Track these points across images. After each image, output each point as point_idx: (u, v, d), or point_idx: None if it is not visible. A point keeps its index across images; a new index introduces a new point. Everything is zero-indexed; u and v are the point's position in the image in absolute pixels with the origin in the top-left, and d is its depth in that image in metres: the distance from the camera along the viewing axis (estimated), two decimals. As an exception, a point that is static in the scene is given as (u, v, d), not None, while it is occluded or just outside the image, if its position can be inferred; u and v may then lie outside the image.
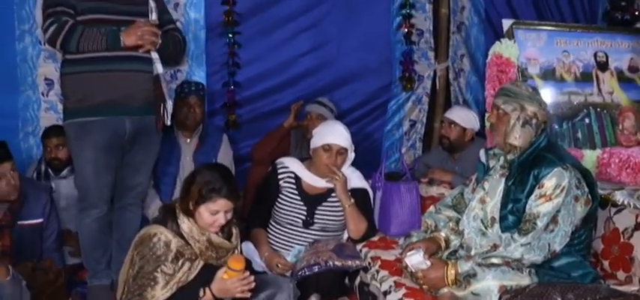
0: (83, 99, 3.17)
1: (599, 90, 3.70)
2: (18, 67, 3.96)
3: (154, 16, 3.26)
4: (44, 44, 3.85)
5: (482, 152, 2.91)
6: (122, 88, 3.18)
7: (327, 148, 3.27)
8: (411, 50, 4.69)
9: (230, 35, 4.28)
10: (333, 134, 3.30)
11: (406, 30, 4.65)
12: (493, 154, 2.84)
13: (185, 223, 2.61)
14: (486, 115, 3.13)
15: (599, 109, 3.65)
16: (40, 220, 3.30)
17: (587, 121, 3.62)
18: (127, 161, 3.34)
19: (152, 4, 3.27)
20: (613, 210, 2.94)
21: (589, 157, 3.45)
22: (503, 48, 3.56)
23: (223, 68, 4.33)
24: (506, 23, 3.76)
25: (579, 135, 3.59)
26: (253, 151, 4.26)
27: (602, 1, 4.56)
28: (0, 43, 3.91)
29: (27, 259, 3.14)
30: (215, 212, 2.60)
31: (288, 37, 4.44)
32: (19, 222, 3.20)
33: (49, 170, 3.80)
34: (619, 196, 2.98)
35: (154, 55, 3.23)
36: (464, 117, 4.10)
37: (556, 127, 3.57)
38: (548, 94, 3.60)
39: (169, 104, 3.27)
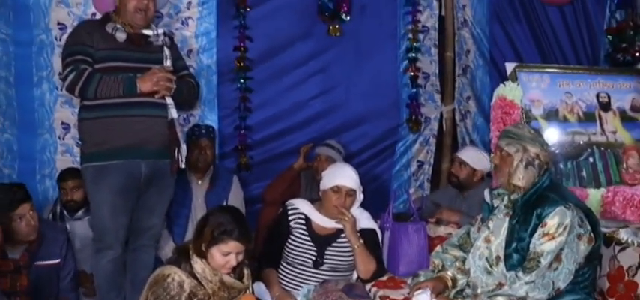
0: (100, 143, 3.25)
1: (603, 130, 3.75)
2: (36, 111, 4.09)
3: (168, 63, 3.37)
4: (62, 90, 3.96)
5: (486, 192, 2.97)
6: (138, 133, 3.26)
7: (337, 189, 3.32)
8: (418, 93, 4.75)
9: (242, 80, 4.37)
10: (342, 176, 3.35)
11: (412, 73, 4.72)
12: (497, 194, 2.89)
13: (198, 264, 2.65)
14: (490, 155, 3.19)
15: (603, 149, 3.69)
16: (57, 261, 3.33)
17: (591, 160, 3.66)
18: (142, 203, 3.40)
19: (167, 51, 3.38)
20: (617, 248, 2.95)
21: (593, 196, 3.48)
22: (507, 90, 3.63)
23: (235, 112, 4.41)
24: (510, 66, 3.84)
25: (584, 174, 3.62)
26: (264, 193, 4.30)
27: (604, 43, 4.62)
28: (19, 88, 4.04)
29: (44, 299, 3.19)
30: (226, 254, 2.65)
31: (298, 82, 4.52)
32: (36, 262, 3.23)
33: (65, 212, 3.86)
34: (623, 234, 3.00)
35: (169, 101, 3.33)
36: (474, 158, 4.10)
37: (561, 166, 3.62)
38: (552, 135, 3.67)
39: (183, 148, 3.36)
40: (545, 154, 2.80)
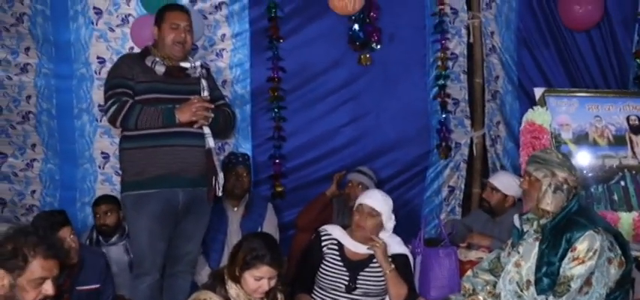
0: (140, 172, 3.33)
1: (634, 153, 3.76)
2: (76, 142, 4.25)
3: (205, 93, 3.45)
4: (101, 121, 4.14)
5: (516, 217, 2.99)
6: (176, 162, 3.34)
7: (359, 208, 3.38)
8: (447, 119, 4.76)
9: (276, 110, 4.47)
10: (367, 197, 3.42)
11: (441, 100, 4.74)
12: (526, 219, 2.91)
13: (233, 289, 2.71)
14: (519, 180, 3.22)
15: (634, 172, 3.70)
16: (97, 286, 3.39)
17: (622, 183, 3.67)
18: (180, 230, 3.46)
19: (204, 82, 3.47)
20: (650, 271, 2.99)
21: (625, 219, 3.50)
22: (536, 115, 3.67)
23: (268, 140, 4.50)
24: (538, 91, 3.88)
25: (615, 197, 3.63)
26: (298, 219, 4.34)
27: (633, 66, 4.57)
28: (60, 120, 4.22)
29: (83, 324, 3.26)
30: (259, 278, 2.70)
31: (330, 110, 4.59)
32: (77, 287, 3.29)
33: (100, 237, 3.94)
34: (655, 258, 3.04)
35: (206, 130, 3.41)
36: (506, 184, 4.08)
37: (592, 190, 3.63)
38: (582, 158, 3.70)
39: (221, 176, 3.43)
40: (574, 178, 2.82)
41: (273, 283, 2.74)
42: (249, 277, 2.70)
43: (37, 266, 2.24)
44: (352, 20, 4.45)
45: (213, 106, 3.45)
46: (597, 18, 4.37)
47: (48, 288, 2.27)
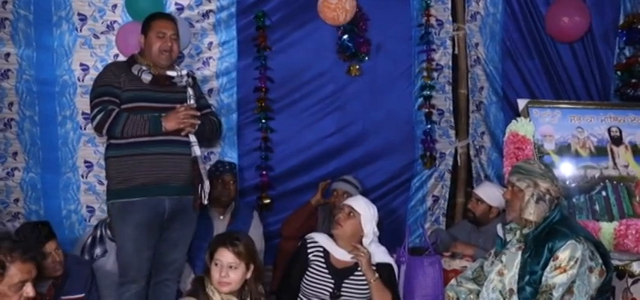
0: (126, 180, 3.33)
1: (615, 164, 3.79)
2: (59, 150, 4.20)
3: (191, 102, 3.45)
4: (85, 129, 4.12)
5: (499, 227, 3.02)
6: (162, 170, 3.35)
7: (340, 207, 3.45)
8: (432, 129, 4.80)
9: (263, 120, 4.47)
10: (349, 199, 3.51)
11: (426, 110, 4.78)
12: (509, 229, 2.95)
13: (216, 295, 2.73)
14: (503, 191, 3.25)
15: (615, 182, 3.73)
16: (81, 295, 3.39)
17: (604, 193, 3.69)
18: (165, 238, 3.46)
19: (190, 91, 3.47)
20: (630, 280, 3.02)
21: (606, 229, 3.51)
22: (519, 126, 3.69)
23: (255, 150, 4.50)
24: (522, 103, 3.91)
25: (597, 207, 3.66)
26: (282, 227, 4.36)
27: (614, 78, 4.67)
28: (43, 127, 4.17)
29: (67, 333, 3.25)
30: (217, 262, 2.76)
31: (316, 119, 4.62)
32: (62, 297, 3.29)
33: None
34: (636, 267, 3.07)
35: (192, 139, 3.41)
36: (491, 195, 4.13)
37: (574, 200, 3.65)
38: (564, 169, 3.73)
39: (206, 185, 3.42)
40: (556, 188, 2.86)
41: (233, 271, 2.73)
42: (213, 266, 2.75)
43: (15, 270, 2.29)
44: (341, 30, 4.48)
45: (198, 113, 3.46)
46: (584, 29, 4.44)
47: (29, 290, 2.32)
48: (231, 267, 2.73)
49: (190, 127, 3.40)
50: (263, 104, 4.47)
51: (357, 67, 4.58)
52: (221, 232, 2.80)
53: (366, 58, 4.59)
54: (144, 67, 3.41)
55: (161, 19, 3.53)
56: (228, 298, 2.74)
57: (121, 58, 4.03)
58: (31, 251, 2.37)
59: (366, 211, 3.40)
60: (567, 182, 3.69)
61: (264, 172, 4.53)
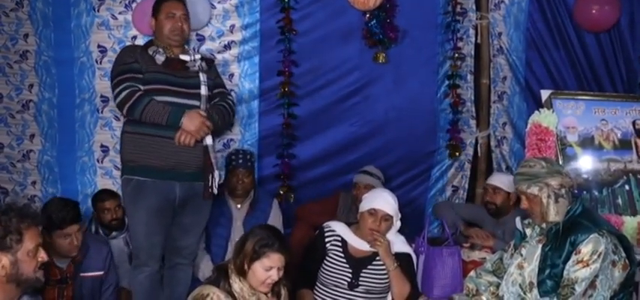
0: (139, 158, 3.34)
1: (639, 157, 3.75)
2: (76, 132, 4.21)
3: (203, 88, 3.44)
4: (101, 112, 4.11)
5: (518, 220, 2.99)
6: (175, 155, 3.34)
7: (373, 212, 3.35)
8: (458, 119, 4.75)
9: (286, 106, 4.40)
10: (380, 200, 3.38)
11: (453, 100, 4.72)
12: (528, 223, 2.91)
13: (236, 283, 2.71)
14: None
15: (639, 176, 3.69)
16: (100, 273, 3.45)
17: (627, 187, 3.66)
18: (178, 223, 3.48)
19: (202, 76, 3.46)
20: (653, 275, 2.99)
21: (629, 223, 3.49)
22: (542, 117, 3.66)
23: (277, 137, 4.44)
24: (545, 94, 3.87)
25: (619, 201, 3.63)
26: (298, 209, 4.32)
27: (640, 70, 4.63)
28: (61, 110, 4.18)
29: (86, 310, 3.30)
30: (269, 268, 2.71)
31: (340, 106, 4.53)
32: (81, 274, 3.35)
33: (100, 230, 3.94)
34: (659, 262, 3.02)
35: None
36: (506, 182, 4.09)
37: (596, 193, 3.62)
38: (587, 162, 3.69)
39: (216, 174, 3.43)
40: (568, 179, 2.81)
41: (281, 273, 2.75)
42: (259, 267, 2.71)
43: (30, 237, 2.34)
44: (368, 16, 4.38)
45: (211, 125, 3.41)
46: (614, 19, 4.36)
47: (43, 255, 2.40)
48: (278, 269, 2.75)
49: (203, 134, 3.39)
50: (286, 89, 4.38)
51: (384, 54, 4.47)
52: (266, 232, 2.78)
53: (392, 46, 4.49)
54: (159, 49, 3.41)
55: (170, 0, 3.51)
56: (254, 291, 2.75)
57: (139, 39, 4.04)
58: (36, 217, 2.43)
59: (396, 209, 3.39)
60: (589, 175, 3.65)
61: (286, 160, 4.47)
